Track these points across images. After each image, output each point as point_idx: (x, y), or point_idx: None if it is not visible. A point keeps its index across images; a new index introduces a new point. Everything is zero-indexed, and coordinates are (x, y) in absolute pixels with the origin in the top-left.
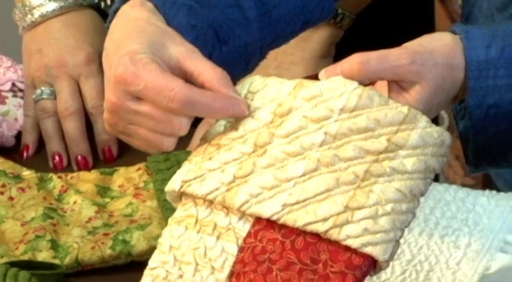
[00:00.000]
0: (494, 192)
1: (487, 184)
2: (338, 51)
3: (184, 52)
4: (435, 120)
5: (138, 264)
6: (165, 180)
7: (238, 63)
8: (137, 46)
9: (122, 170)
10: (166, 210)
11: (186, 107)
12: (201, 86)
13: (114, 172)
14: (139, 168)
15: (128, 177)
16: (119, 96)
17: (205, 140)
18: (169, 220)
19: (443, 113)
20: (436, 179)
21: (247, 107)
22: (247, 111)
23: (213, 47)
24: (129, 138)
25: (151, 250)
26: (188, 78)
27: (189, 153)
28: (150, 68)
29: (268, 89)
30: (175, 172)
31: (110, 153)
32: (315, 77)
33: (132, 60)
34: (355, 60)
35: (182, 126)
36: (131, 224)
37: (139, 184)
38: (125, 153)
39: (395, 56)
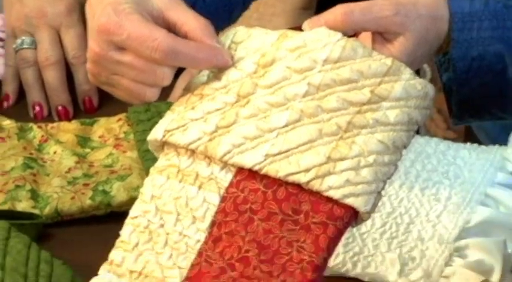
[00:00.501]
0: (475, 145)
1: (469, 138)
2: (320, 3)
3: (167, 2)
4: (417, 74)
5: (118, 215)
6: (146, 131)
7: (222, 13)
8: None
9: (103, 121)
10: (147, 161)
11: (169, 57)
12: (184, 37)
13: (94, 122)
14: (119, 119)
15: (108, 127)
16: (102, 46)
17: (188, 90)
18: (151, 169)
19: (425, 66)
20: (418, 132)
21: (230, 58)
22: (231, 62)
23: None
24: (112, 88)
25: (131, 201)
26: (171, 29)
27: (170, 104)
28: (133, 18)
29: (252, 39)
30: (156, 123)
31: (91, 104)
32: (298, 29)
33: (115, 10)
34: (338, 11)
35: (165, 76)
36: (111, 174)
37: (120, 135)
38: (105, 103)
39: (379, 7)
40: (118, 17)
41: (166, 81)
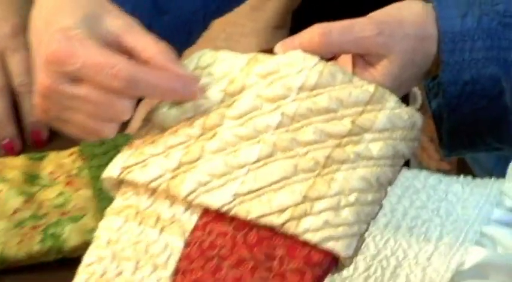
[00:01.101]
0: (469, 178)
1: (462, 170)
2: (294, 21)
3: (122, 26)
4: (406, 99)
5: (71, 261)
6: (101, 167)
7: (181, 33)
8: (70, 21)
9: (53, 155)
10: (103, 200)
11: (130, 85)
12: (145, 64)
13: (43, 157)
14: (72, 153)
15: (59, 163)
16: (53, 78)
17: (147, 120)
18: (107, 210)
19: (415, 90)
20: (407, 164)
21: (198, 88)
22: (199, 93)
23: (152, 16)
24: (64, 125)
25: (85, 245)
26: (129, 56)
27: (128, 136)
28: (87, 44)
29: (219, 64)
30: (112, 157)
31: (39, 137)
32: (270, 51)
33: (66, 37)
34: (315, 32)
35: (125, 109)
36: (63, 215)
37: (72, 171)
38: (56, 136)
39: (360, 27)
40: (70, 43)
41: (126, 115)
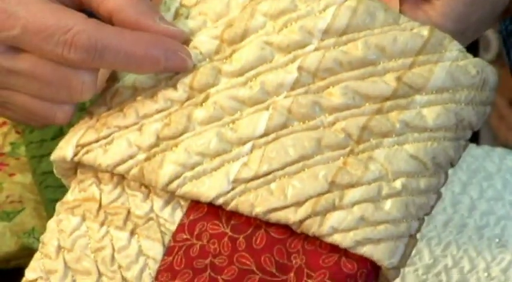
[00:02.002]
0: None
1: None
2: None
3: None
4: (475, 47)
5: (5, 274)
6: (45, 143)
7: None
8: None
9: None
10: (47, 188)
11: (91, 56)
12: (109, 20)
13: None
14: (3, 123)
15: None
16: None
17: (113, 80)
18: (58, 206)
19: (489, 35)
20: (477, 137)
21: (189, 55)
22: (191, 62)
23: None
24: (1, 109)
25: (22, 252)
26: (85, 7)
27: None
28: (28, 0)
29: (212, 0)
30: (62, 131)
31: None
32: None
33: None
34: None
35: (85, 86)
36: None
37: (4, 148)
38: None
39: None
40: (3, 0)
41: (86, 94)
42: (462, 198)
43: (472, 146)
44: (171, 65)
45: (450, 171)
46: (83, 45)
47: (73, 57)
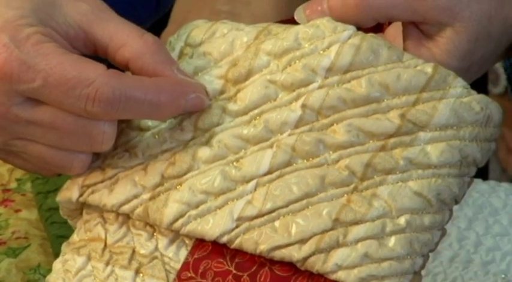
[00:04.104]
0: None
1: None
2: None
3: (87, 13)
4: (481, 84)
5: None
6: (51, 179)
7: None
8: (16, 12)
9: None
10: (53, 225)
11: (115, 108)
12: (125, 67)
13: None
14: None
15: None
16: (1, 100)
17: (120, 120)
18: (63, 246)
19: (498, 67)
20: (485, 172)
21: (206, 93)
22: (208, 100)
23: None
24: (13, 157)
25: None
26: (100, 55)
27: None
28: (47, 51)
29: (216, 39)
30: None
31: None
32: (289, 22)
33: (15, 40)
34: None
35: (106, 137)
36: None
37: (10, 184)
38: None
39: None
40: (22, 50)
41: (107, 144)
42: (468, 233)
43: (478, 181)
44: (190, 107)
45: (456, 206)
46: (107, 99)
47: (96, 110)
